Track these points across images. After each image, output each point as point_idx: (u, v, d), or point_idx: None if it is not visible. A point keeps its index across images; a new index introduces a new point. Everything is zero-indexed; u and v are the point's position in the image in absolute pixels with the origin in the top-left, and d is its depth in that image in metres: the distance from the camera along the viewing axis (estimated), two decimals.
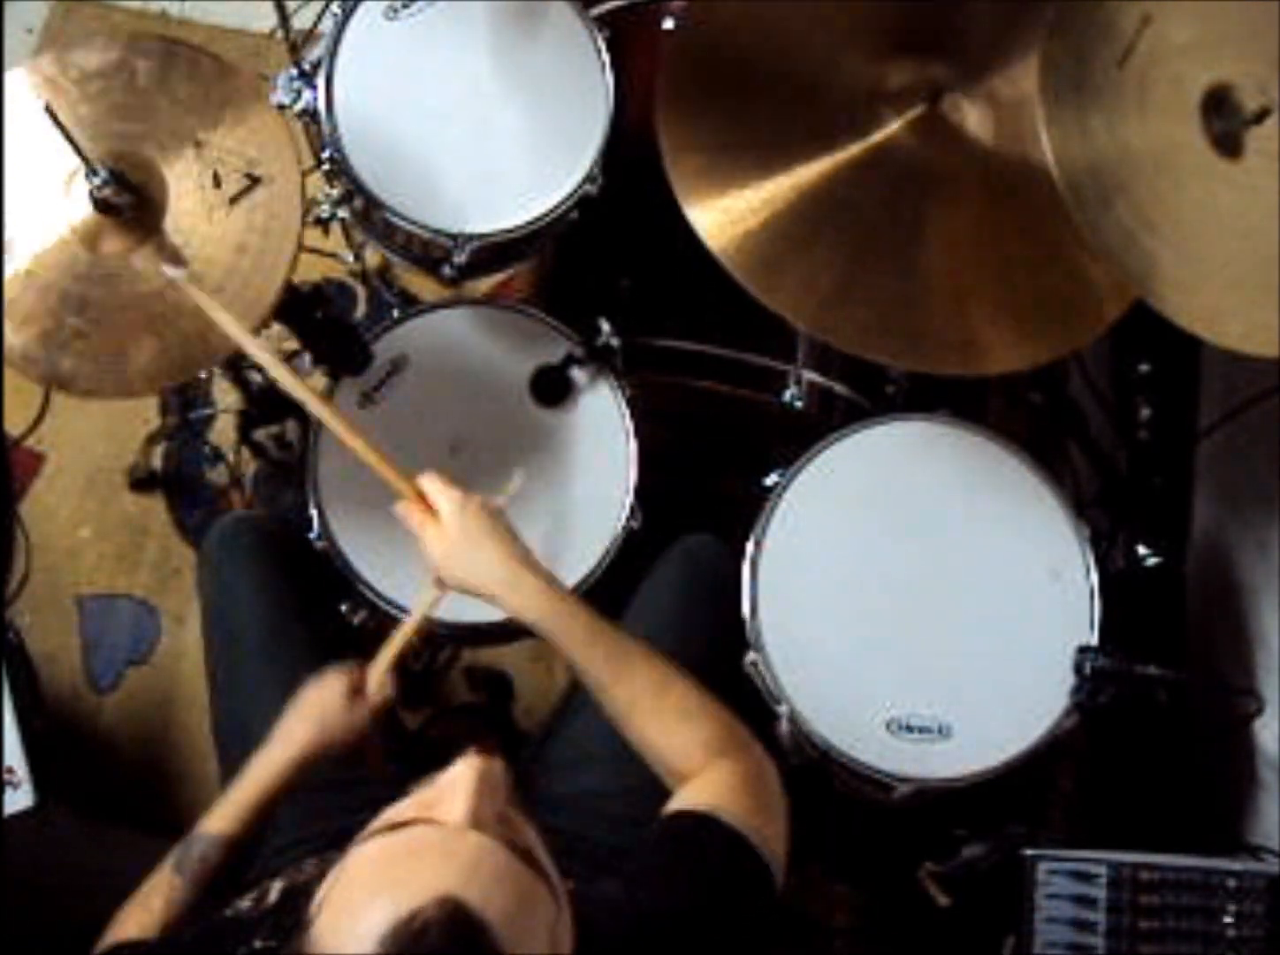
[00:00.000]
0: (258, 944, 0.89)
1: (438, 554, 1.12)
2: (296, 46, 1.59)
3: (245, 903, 0.98)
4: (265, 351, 1.19)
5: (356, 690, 1.16)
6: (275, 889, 0.99)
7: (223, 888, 1.09)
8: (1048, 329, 1.33)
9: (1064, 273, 1.30)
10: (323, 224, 1.52)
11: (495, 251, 1.51)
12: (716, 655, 1.34)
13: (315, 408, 1.21)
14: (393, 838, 0.76)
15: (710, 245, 1.29)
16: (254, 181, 1.29)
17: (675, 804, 1.01)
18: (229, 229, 1.28)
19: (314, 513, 1.40)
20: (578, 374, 1.48)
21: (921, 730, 1.34)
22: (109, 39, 1.34)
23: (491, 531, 1.12)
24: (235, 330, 1.18)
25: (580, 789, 1.29)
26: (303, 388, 1.19)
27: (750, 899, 0.96)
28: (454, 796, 0.77)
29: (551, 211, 1.47)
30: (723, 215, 1.31)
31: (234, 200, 1.28)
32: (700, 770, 1.03)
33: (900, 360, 1.37)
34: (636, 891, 0.94)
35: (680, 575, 1.40)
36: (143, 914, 1.06)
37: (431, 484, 1.15)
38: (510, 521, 1.16)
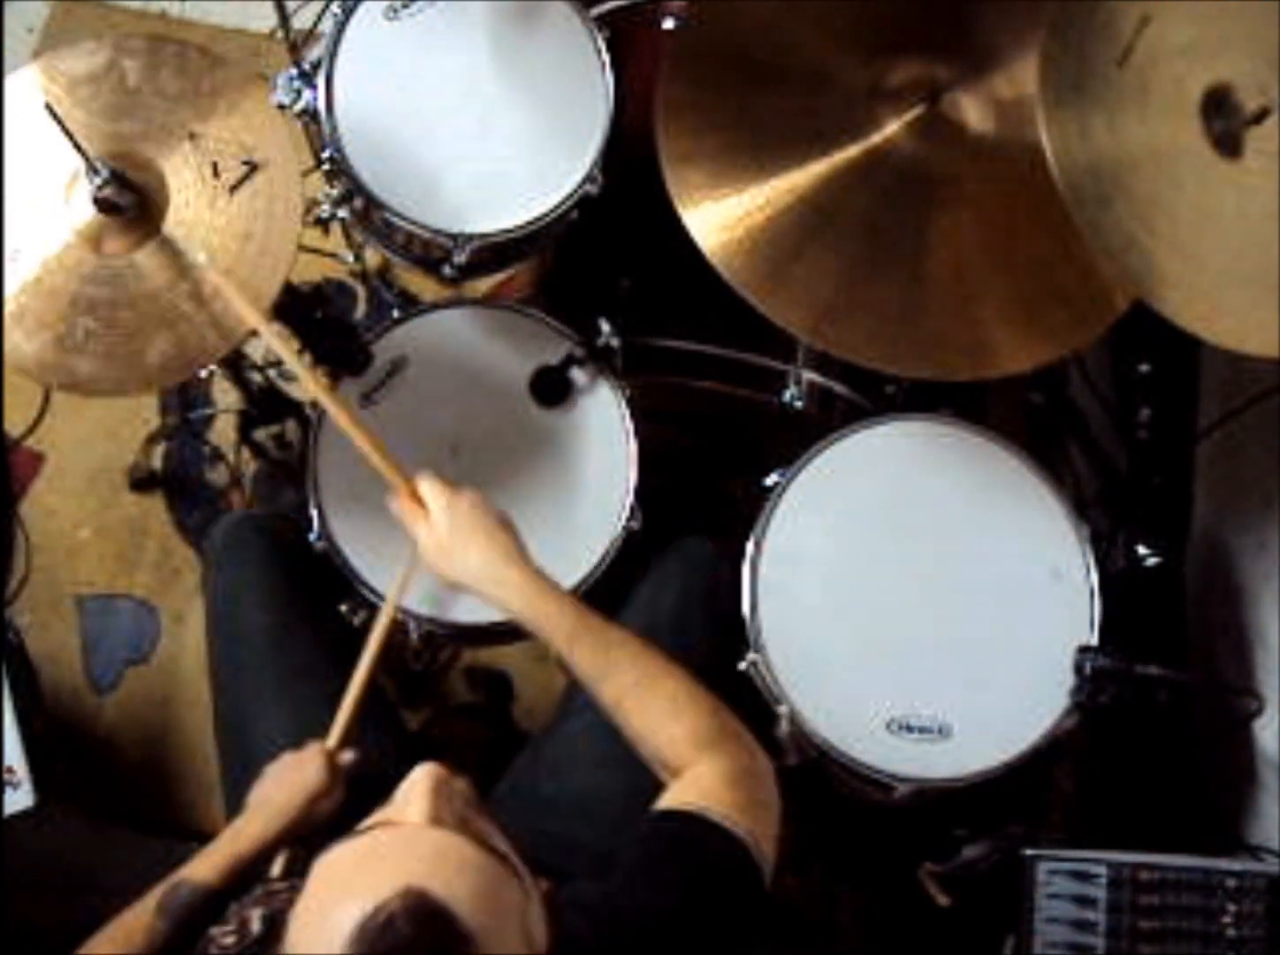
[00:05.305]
0: None
1: (426, 549, 1.16)
2: (296, 46, 1.60)
3: (229, 938, 0.97)
4: (276, 335, 1.26)
5: (330, 759, 1.17)
6: (255, 918, 0.97)
7: (199, 932, 1.06)
8: (1059, 324, 1.32)
9: (1073, 265, 1.28)
10: (323, 224, 1.52)
11: (495, 251, 1.51)
12: (716, 656, 1.34)
13: (319, 394, 1.28)
14: (355, 841, 0.76)
15: (709, 253, 1.29)
16: (252, 168, 1.29)
17: (664, 802, 1.01)
18: (232, 217, 1.29)
19: (314, 513, 1.40)
20: (578, 374, 1.47)
21: (921, 730, 1.34)
22: (96, 42, 1.34)
23: (478, 527, 1.15)
24: (248, 312, 1.24)
25: (572, 788, 1.29)
26: (308, 373, 1.28)
27: (737, 898, 0.95)
28: (411, 800, 0.78)
29: (551, 211, 1.47)
30: (721, 221, 1.31)
31: (234, 188, 1.29)
32: (690, 765, 1.02)
33: (909, 368, 1.35)
34: (615, 893, 0.94)
35: (678, 578, 1.40)
36: (122, 948, 1.04)
37: (427, 483, 1.19)
38: (507, 518, 1.19)
